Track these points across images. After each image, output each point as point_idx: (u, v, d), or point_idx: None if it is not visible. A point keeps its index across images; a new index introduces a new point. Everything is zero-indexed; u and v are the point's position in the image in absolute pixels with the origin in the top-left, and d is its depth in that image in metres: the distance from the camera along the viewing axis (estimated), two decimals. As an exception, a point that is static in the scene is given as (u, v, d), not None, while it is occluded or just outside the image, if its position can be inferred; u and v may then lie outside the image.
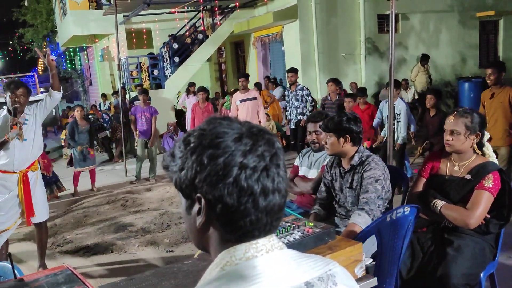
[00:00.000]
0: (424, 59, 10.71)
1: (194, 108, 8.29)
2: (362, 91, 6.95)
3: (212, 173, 0.81)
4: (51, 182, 7.00)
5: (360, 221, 2.48)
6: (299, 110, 7.24)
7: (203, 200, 0.83)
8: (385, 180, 2.64)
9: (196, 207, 0.85)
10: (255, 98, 7.17)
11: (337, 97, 7.36)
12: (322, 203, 3.00)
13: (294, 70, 7.27)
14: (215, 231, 0.85)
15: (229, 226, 0.83)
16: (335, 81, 7.18)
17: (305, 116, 7.09)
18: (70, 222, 5.82)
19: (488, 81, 4.80)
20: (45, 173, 6.70)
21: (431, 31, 11.62)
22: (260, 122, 7.08)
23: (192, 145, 0.85)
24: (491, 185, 2.43)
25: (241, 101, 7.18)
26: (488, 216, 2.49)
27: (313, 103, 7.35)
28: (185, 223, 0.92)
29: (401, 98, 6.03)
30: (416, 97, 10.37)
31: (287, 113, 7.86)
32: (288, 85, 7.35)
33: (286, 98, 7.45)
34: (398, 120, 5.77)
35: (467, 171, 2.56)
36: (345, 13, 10.55)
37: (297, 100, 7.23)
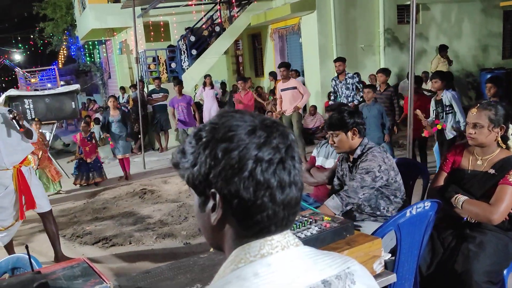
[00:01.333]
0: (443, 49, 10.46)
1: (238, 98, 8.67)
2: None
3: (227, 167, 0.79)
4: (91, 169, 7.42)
5: (330, 204, 2.58)
6: (350, 99, 7.15)
7: (218, 196, 0.81)
8: (380, 172, 2.62)
9: (210, 203, 0.83)
10: (295, 87, 7.37)
11: (386, 88, 7.11)
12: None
13: (341, 59, 7.22)
14: (231, 228, 0.83)
15: (246, 222, 0.81)
16: (385, 72, 6.98)
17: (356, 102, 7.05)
18: (89, 214, 5.91)
19: None
20: (87, 159, 7.32)
21: (452, 21, 11.34)
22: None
23: (204, 139, 0.82)
24: (516, 180, 2.35)
25: (282, 90, 7.43)
26: (512, 212, 2.42)
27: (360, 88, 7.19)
28: (199, 220, 0.89)
29: (447, 89, 5.62)
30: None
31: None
32: (336, 75, 7.26)
33: (334, 88, 7.37)
34: (447, 111, 5.48)
35: (490, 165, 2.48)
36: (364, 4, 10.37)
37: (347, 88, 7.14)
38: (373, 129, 5.71)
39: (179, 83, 8.74)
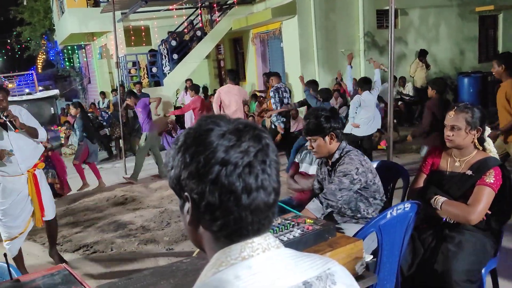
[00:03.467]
0: (422, 54, 10.68)
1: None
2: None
3: (194, 171, 0.80)
4: None
5: (311, 207, 2.59)
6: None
7: (189, 199, 0.82)
8: (357, 175, 2.63)
9: (187, 206, 0.84)
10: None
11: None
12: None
13: (273, 74, 7.45)
14: (206, 231, 0.84)
15: (215, 225, 0.81)
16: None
17: None
18: (69, 221, 5.81)
19: None
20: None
21: (430, 26, 11.57)
22: None
23: (179, 143, 0.85)
24: (492, 181, 2.40)
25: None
26: (489, 212, 2.47)
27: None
28: (182, 221, 0.91)
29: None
30: (413, 93, 10.36)
31: None
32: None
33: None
34: None
35: (468, 166, 2.54)
36: (344, 9, 10.50)
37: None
38: None
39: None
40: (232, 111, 7.30)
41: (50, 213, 4.11)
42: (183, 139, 0.84)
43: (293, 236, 1.84)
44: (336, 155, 2.78)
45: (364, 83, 6.49)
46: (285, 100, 7.33)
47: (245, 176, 0.79)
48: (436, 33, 11.65)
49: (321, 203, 2.59)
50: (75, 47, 17.72)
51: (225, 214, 0.79)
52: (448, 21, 11.75)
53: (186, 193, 0.82)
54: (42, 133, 3.91)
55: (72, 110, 7.69)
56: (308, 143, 2.86)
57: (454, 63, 12.05)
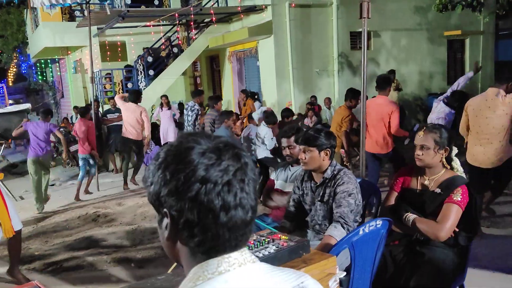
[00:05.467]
0: (391, 73, 11.03)
1: None
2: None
3: (173, 188, 0.81)
4: None
5: (336, 233, 2.49)
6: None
7: (168, 215, 0.83)
8: (357, 194, 2.68)
9: (165, 221, 0.85)
10: None
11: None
12: (290, 216, 3.01)
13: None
14: (183, 246, 0.85)
15: (193, 241, 0.83)
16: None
17: None
18: (39, 238, 5.64)
19: None
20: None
21: (401, 48, 11.96)
22: None
23: (159, 160, 0.86)
24: (459, 199, 2.50)
25: None
26: (457, 229, 2.56)
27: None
28: (160, 236, 0.92)
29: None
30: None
31: None
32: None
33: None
34: None
35: (437, 185, 2.63)
36: (319, 30, 10.76)
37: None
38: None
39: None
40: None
41: (16, 223, 3.99)
42: (164, 156, 0.86)
43: (268, 252, 1.86)
44: (329, 172, 2.78)
45: None
46: None
47: (224, 194, 0.81)
48: (407, 55, 12.06)
49: (343, 227, 2.53)
50: (49, 61, 17.44)
51: (203, 231, 0.81)
52: (418, 44, 12.18)
53: (165, 209, 0.84)
54: None
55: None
56: (300, 153, 2.84)
57: (423, 84, 12.46)
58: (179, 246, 0.86)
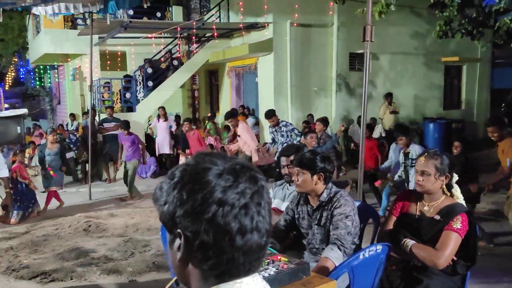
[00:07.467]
0: (389, 96, 11.17)
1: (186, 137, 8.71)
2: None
3: (190, 209, 0.80)
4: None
5: (333, 255, 2.47)
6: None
7: (182, 236, 0.82)
8: (354, 216, 2.67)
9: (177, 242, 0.84)
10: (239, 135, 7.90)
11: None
12: (279, 237, 2.98)
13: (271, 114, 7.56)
14: (195, 268, 0.84)
15: (207, 264, 0.81)
16: (323, 122, 7.62)
17: None
18: (28, 246, 5.55)
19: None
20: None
21: (398, 71, 12.08)
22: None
23: (175, 179, 0.84)
24: (459, 227, 2.49)
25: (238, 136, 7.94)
26: (455, 258, 2.54)
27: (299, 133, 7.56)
28: (169, 257, 0.90)
29: (414, 142, 5.82)
30: (384, 134, 10.67)
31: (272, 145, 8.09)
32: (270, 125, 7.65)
33: (271, 135, 7.73)
34: (413, 164, 5.32)
35: (436, 211, 2.62)
36: (319, 50, 10.85)
37: (282, 136, 7.50)
38: None
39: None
40: None
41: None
42: (180, 175, 0.84)
43: (268, 274, 1.84)
44: (324, 195, 2.76)
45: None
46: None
47: (241, 217, 0.79)
48: (404, 79, 12.17)
49: (340, 250, 2.50)
50: (48, 67, 17.41)
51: (218, 254, 0.80)
52: (416, 68, 12.32)
53: (178, 230, 0.82)
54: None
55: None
56: (294, 174, 2.84)
57: (420, 107, 12.57)
58: (191, 268, 0.84)
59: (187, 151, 8.92)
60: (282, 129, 7.49)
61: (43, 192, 7.63)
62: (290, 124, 7.78)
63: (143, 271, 4.58)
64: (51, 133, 7.95)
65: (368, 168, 6.47)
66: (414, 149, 5.61)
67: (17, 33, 17.95)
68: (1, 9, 7.07)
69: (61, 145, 8.08)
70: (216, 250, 0.79)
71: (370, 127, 7.72)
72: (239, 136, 7.89)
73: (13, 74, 21.73)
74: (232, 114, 7.82)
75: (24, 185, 7.04)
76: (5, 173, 4.06)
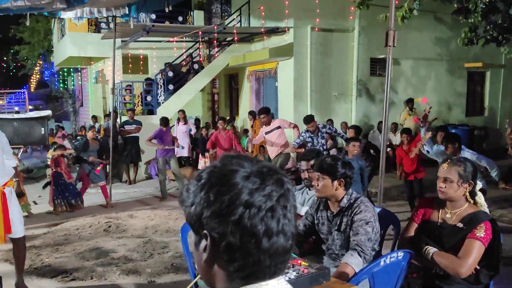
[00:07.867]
0: (410, 102, 11.04)
1: (216, 136, 8.53)
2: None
3: (217, 211, 0.81)
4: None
5: (353, 261, 2.46)
6: (324, 147, 7.46)
7: (208, 237, 0.83)
8: (374, 222, 2.65)
9: (203, 243, 0.85)
10: (279, 127, 7.67)
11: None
12: (297, 240, 2.97)
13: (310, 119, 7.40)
14: (220, 270, 0.84)
15: (233, 265, 0.82)
16: (356, 129, 7.41)
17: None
18: (50, 245, 5.66)
19: None
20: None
21: (420, 77, 11.93)
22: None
23: (202, 181, 0.85)
24: (483, 235, 2.44)
25: (267, 133, 7.70)
26: (478, 267, 2.50)
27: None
28: (195, 258, 0.91)
29: (463, 148, 5.43)
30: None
31: None
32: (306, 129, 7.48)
33: (310, 139, 7.56)
34: None
35: (459, 219, 2.58)
36: (339, 55, 10.81)
37: (323, 138, 7.39)
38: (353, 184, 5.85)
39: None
40: None
41: (18, 230, 4.02)
42: (207, 177, 0.85)
43: (289, 278, 1.84)
44: (345, 200, 2.75)
45: None
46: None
47: (267, 220, 0.80)
48: (426, 85, 12.01)
49: (360, 256, 2.49)
50: (71, 69, 17.80)
51: (245, 256, 0.80)
52: (438, 74, 12.14)
53: (205, 231, 0.83)
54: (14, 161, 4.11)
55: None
56: (314, 179, 2.82)
57: (441, 115, 12.36)
58: (216, 270, 0.85)
59: (211, 151, 8.68)
60: (322, 131, 7.37)
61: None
62: (323, 124, 7.72)
63: (162, 272, 4.62)
64: (91, 129, 8.39)
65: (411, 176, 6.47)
66: (465, 155, 5.02)
67: (43, 36, 18.41)
68: (28, 13, 7.26)
69: (100, 143, 8.53)
70: (243, 252, 0.80)
71: (409, 131, 7.34)
72: (276, 128, 7.59)
73: (37, 76, 22.26)
74: (266, 110, 7.78)
75: (64, 179, 7.42)
76: (13, 163, 4.24)
